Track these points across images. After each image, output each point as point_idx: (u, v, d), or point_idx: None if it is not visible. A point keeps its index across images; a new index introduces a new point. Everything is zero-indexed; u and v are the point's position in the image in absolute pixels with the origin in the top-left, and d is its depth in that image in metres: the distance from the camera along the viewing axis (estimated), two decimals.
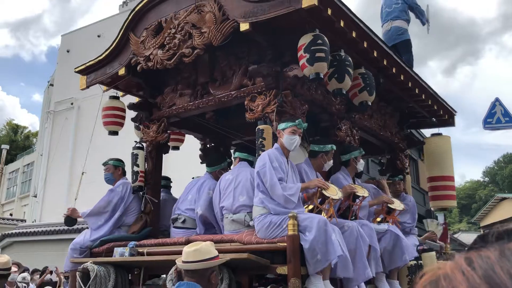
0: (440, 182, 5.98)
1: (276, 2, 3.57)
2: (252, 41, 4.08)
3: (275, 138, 3.72)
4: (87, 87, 4.85)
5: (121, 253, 3.91)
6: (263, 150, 3.65)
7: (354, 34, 3.89)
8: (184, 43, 4.09)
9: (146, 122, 4.74)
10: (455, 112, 6.21)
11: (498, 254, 0.44)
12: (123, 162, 4.84)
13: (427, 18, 6.45)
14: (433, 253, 4.41)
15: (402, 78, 4.89)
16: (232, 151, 5.31)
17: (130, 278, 3.98)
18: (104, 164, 4.78)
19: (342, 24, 3.72)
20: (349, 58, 3.97)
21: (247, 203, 3.77)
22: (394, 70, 4.73)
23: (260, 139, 3.71)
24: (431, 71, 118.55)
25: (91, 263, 3.78)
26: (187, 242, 3.81)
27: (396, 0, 6.18)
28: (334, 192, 3.36)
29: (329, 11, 3.55)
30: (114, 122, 4.93)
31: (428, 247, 4.57)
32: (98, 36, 17.11)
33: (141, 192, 4.63)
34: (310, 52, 3.52)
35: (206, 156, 5.39)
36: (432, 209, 4.59)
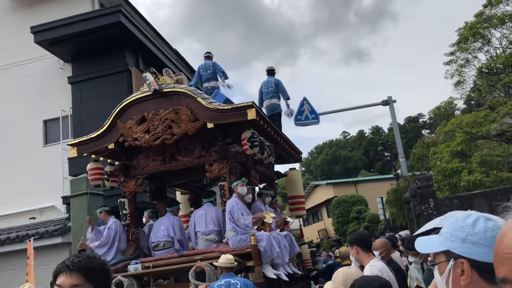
0: (295, 199, 9.40)
1: (231, 113, 6.30)
2: (207, 128, 6.69)
3: (229, 190, 6.45)
4: (78, 156, 6.74)
5: (135, 268, 6.12)
6: (225, 196, 6.37)
7: (265, 126, 6.88)
8: (165, 131, 6.47)
9: (125, 178, 6.89)
10: (301, 152, 9.74)
11: None
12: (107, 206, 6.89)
13: (292, 111, 9.73)
14: (306, 245, 7.71)
15: (275, 136, 8.07)
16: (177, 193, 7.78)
17: (143, 283, 6.22)
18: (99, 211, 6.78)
19: (261, 122, 6.66)
20: (264, 140, 6.93)
21: (214, 228, 6.44)
22: (272, 133, 7.87)
23: (223, 190, 6.42)
24: (256, 70, 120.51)
25: (121, 276, 5.92)
26: (180, 256, 6.30)
27: (271, 84, 9.42)
28: (269, 219, 6.28)
29: (258, 118, 6.45)
30: (98, 178, 6.94)
31: (301, 242, 7.88)
32: None
33: (126, 227, 6.78)
34: (251, 142, 6.37)
35: (158, 198, 7.69)
36: None
